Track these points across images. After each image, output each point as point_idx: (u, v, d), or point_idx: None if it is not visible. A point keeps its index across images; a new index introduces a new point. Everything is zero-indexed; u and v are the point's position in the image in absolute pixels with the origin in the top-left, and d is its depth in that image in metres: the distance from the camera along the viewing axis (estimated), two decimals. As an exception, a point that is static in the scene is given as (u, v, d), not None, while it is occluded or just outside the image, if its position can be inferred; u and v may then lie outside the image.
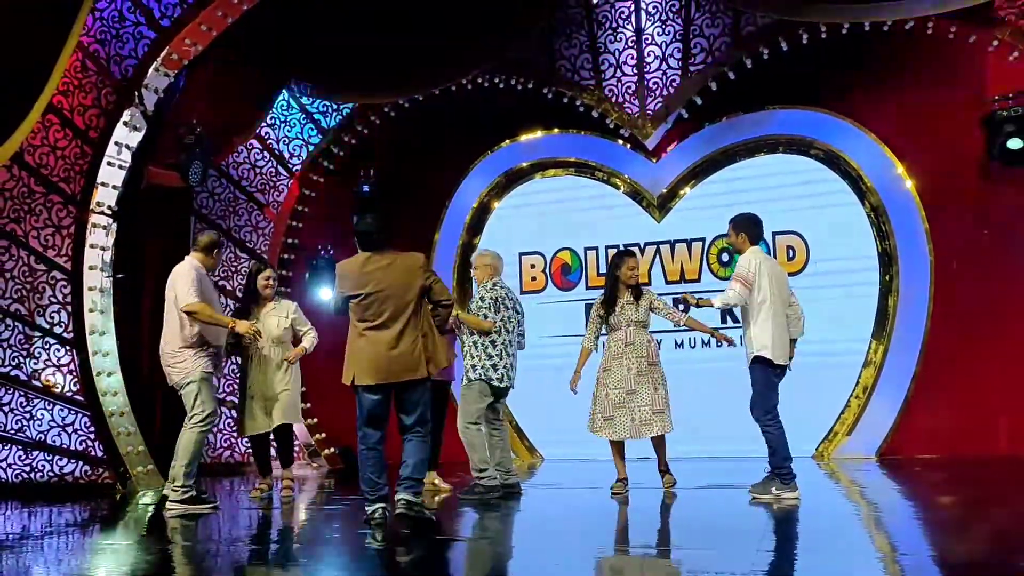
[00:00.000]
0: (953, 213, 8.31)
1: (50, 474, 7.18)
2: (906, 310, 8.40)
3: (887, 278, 8.52)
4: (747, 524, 4.84)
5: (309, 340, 6.57)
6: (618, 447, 6.16)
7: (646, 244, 9.38)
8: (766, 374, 5.51)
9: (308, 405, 9.56)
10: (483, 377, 5.99)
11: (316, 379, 9.15)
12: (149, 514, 5.87)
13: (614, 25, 9.33)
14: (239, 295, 9.36)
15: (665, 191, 9.34)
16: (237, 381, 7.44)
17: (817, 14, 7.77)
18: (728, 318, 8.53)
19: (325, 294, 9.70)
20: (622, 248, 9.42)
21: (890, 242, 8.52)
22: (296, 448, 9.59)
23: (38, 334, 7.30)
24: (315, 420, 9.62)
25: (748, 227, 5.76)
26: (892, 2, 7.22)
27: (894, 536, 4.42)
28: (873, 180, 8.62)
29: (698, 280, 9.09)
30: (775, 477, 5.48)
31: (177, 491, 5.64)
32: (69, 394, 7.41)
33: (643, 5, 9.19)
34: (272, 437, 6.67)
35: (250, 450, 6.97)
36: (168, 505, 5.66)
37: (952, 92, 8.30)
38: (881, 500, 5.79)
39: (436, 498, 6.12)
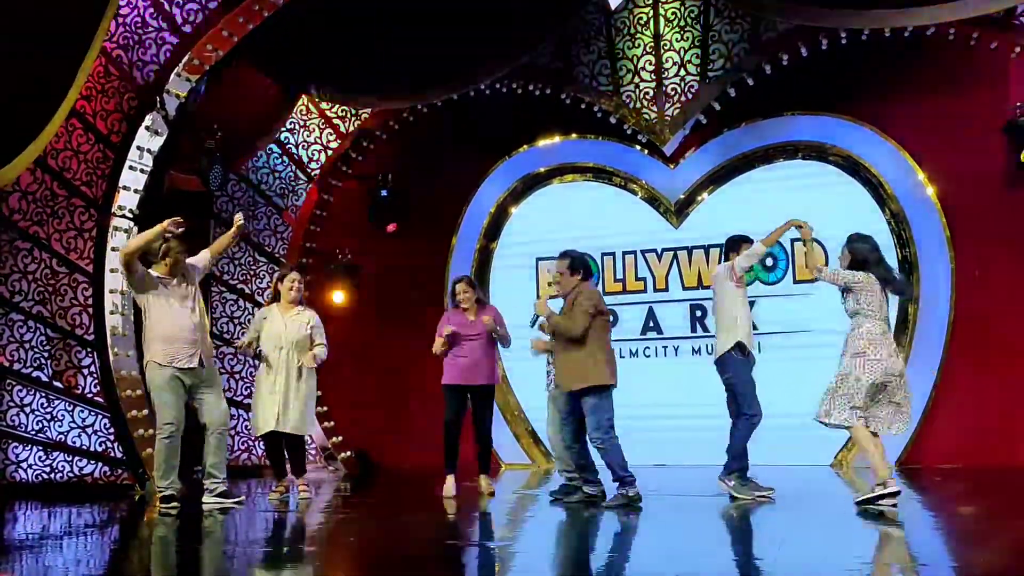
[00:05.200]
0: (975, 220, 8.23)
1: (70, 475, 7.25)
2: (927, 318, 8.32)
3: (908, 286, 8.46)
4: (762, 532, 4.81)
5: (321, 351, 6.64)
6: None
7: (664, 250, 9.37)
8: None
9: (325, 408, 9.60)
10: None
11: (334, 384, 9.20)
12: (170, 515, 5.89)
13: (632, 31, 9.31)
14: (257, 299, 9.44)
15: (683, 197, 9.32)
16: (253, 381, 7.49)
17: (837, 20, 7.72)
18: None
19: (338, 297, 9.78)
20: (639, 252, 9.45)
21: (911, 250, 8.45)
22: (312, 452, 9.62)
23: (59, 336, 7.38)
24: (332, 423, 9.65)
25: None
26: (913, 8, 7.16)
27: (913, 546, 4.37)
28: (893, 187, 8.56)
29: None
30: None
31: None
32: (89, 396, 7.48)
33: (662, 11, 9.17)
34: (284, 446, 6.75)
35: (265, 452, 7.07)
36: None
37: (974, 98, 8.23)
38: (901, 510, 5.72)
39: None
